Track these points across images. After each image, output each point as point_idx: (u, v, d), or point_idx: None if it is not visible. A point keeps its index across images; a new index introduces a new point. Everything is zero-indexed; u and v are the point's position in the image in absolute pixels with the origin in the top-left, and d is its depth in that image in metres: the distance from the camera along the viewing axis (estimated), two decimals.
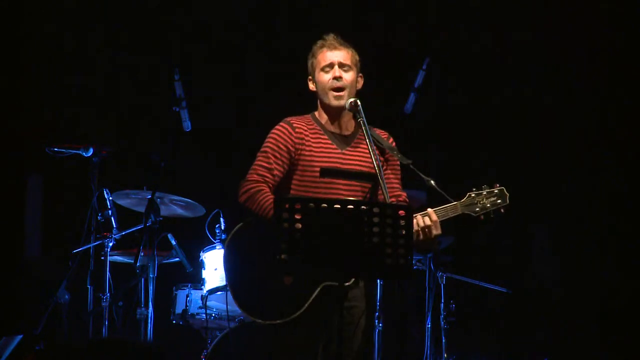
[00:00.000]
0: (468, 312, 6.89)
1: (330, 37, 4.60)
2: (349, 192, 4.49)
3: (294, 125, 4.55)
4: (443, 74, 7.01)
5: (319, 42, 4.61)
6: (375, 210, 3.95)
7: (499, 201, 4.45)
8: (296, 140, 4.52)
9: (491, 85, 7.36)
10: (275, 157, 4.50)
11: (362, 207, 3.97)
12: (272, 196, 4.43)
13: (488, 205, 4.43)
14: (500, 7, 7.22)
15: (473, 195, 4.45)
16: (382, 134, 4.65)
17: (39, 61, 7.35)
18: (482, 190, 4.47)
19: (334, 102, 4.53)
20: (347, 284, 4.15)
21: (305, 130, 4.55)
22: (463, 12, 7.27)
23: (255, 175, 4.50)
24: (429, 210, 4.39)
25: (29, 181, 7.47)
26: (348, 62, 4.55)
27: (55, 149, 6.35)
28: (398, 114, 6.76)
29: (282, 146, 4.50)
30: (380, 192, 4.46)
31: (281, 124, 4.57)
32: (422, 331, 6.53)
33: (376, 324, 6.41)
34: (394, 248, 3.95)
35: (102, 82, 7.38)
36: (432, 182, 4.50)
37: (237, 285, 4.50)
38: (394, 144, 4.65)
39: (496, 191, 4.46)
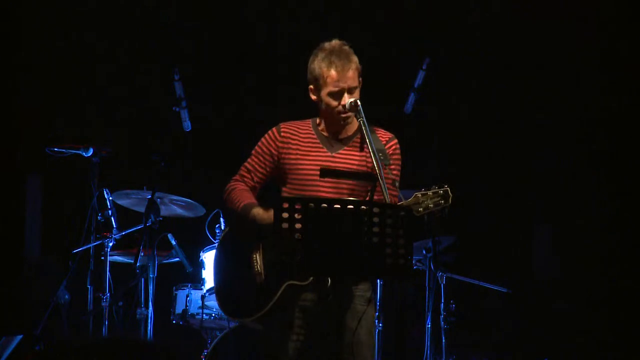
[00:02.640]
0: (468, 312, 6.89)
1: (338, 57, 4.43)
2: (336, 194, 4.43)
3: (282, 130, 4.57)
4: (443, 74, 7.01)
5: (326, 59, 4.43)
6: (375, 210, 3.96)
7: (441, 202, 4.40)
8: (280, 144, 4.54)
9: (491, 85, 7.35)
10: (258, 159, 4.58)
11: (362, 207, 3.97)
12: (246, 191, 4.53)
13: (431, 205, 4.38)
14: (500, 7, 7.23)
15: (419, 195, 4.43)
16: (384, 136, 4.58)
17: (39, 61, 7.34)
18: (429, 190, 4.43)
19: (342, 123, 4.52)
20: (306, 282, 4.29)
21: (294, 134, 4.55)
22: (463, 12, 7.27)
23: (237, 176, 4.62)
24: None
25: (29, 181, 7.47)
26: (355, 82, 4.46)
27: (55, 149, 6.35)
28: (398, 114, 6.75)
29: (265, 149, 4.57)
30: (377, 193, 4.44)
31: (272, 128, 4.61)
32: (422, 331, 6.53)
33: (376, 324, 6.41)
34: (394, 248, 3.96)
35: (102, 82, 7.38)
36: (397, 183, 4.48)
37: (218, 287, 4.63)
38: (394, 146, 4.60)
39: (441, 192, 4.42)
